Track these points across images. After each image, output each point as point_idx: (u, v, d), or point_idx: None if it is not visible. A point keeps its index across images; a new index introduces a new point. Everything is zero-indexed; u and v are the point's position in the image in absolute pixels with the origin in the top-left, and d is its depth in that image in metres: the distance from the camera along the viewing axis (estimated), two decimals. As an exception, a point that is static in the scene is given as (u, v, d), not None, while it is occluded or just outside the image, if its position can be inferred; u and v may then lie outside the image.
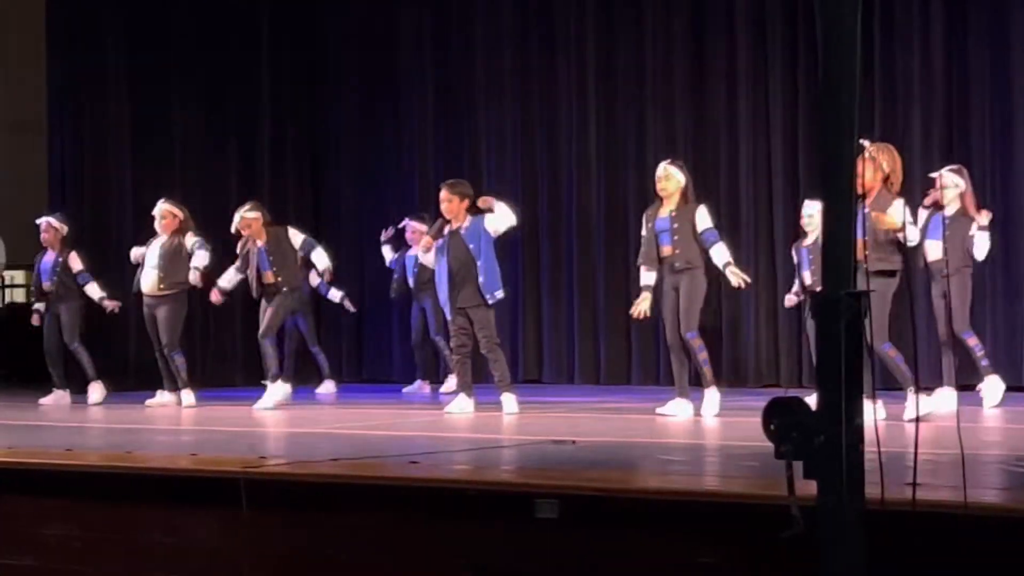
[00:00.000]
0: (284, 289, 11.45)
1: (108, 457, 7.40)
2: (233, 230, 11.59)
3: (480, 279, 10.32)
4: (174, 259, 11.69)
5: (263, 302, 11.53)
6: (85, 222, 13.28)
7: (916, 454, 4.20)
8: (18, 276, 16.32)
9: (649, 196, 13.37)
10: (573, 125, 13.98)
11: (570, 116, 14.00)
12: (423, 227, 12.23)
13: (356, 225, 15.05)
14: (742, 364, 13.00)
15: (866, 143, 9.01)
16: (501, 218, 10.38)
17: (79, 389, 12.38)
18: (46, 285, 12.30)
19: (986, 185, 11.63)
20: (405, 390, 13.27)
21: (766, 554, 5.05)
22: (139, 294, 11.88)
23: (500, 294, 10.47)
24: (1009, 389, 10.33)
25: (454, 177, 11.83)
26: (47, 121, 14.20)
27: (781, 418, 3.90)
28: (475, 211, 10.51)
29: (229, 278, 11.70)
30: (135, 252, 11.99)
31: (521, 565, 5.80)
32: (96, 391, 12.22)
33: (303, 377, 13.16)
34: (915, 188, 10.34)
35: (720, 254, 9.76)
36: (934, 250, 9.96)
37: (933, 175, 10.22)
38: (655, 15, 13.59)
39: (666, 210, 9.87)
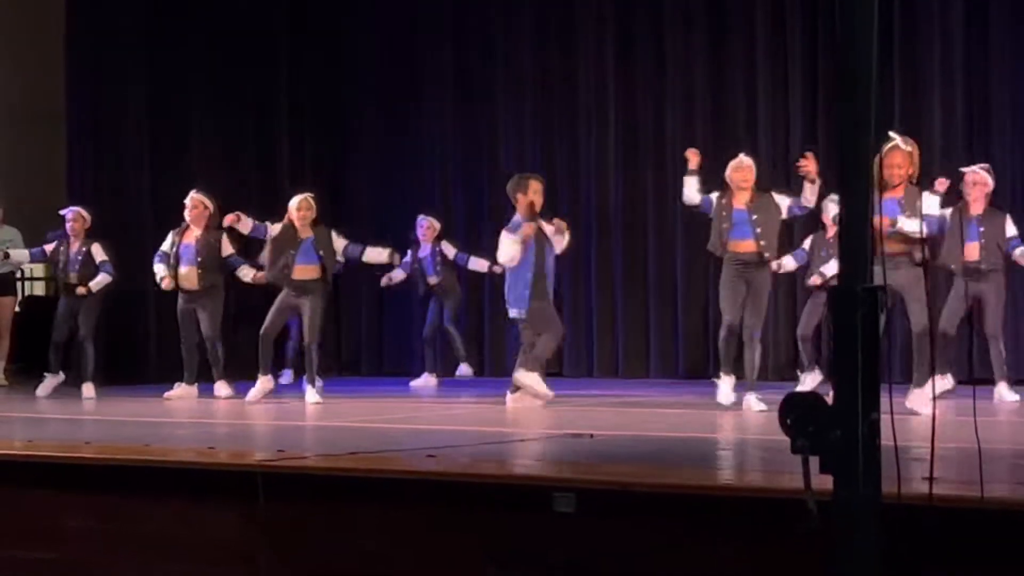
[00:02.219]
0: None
1: (126, 450, 7.42)
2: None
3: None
4: (212, 255, 11.71)
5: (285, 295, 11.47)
6: (103, 212, 13.24)
7: (933, 448, 4.19)
8: (37, 269, 16.28)
9: (668, 188, 13.42)
10: (592, 118, 13.93)
11: (588, 108, 13.95)
12: (438, 224, 12.09)
13: (375, 218, 15.01)
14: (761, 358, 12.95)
15: (896, 136, 9.03)
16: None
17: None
18: (72, 276, 12.27)
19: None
20: (413, 384, 13.16)
21: (782, 548, 5.05)
22: (176, 288, 11.82)
23: (514, 313, 10.67)
24: (1018, 383, 10.51)
25: (472, 170, 11.82)
26: (65, 112, 14.20)
27: (797, 412, 3.88)
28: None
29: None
30: (166, 245, 11.92)
31: (538, 559, 5.81)
32: (88, 391, 12.12)
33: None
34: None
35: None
36: (971, 251, 9.98)
37: (964, 170, 10.17)
38: (674, 5, 13.55)
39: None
